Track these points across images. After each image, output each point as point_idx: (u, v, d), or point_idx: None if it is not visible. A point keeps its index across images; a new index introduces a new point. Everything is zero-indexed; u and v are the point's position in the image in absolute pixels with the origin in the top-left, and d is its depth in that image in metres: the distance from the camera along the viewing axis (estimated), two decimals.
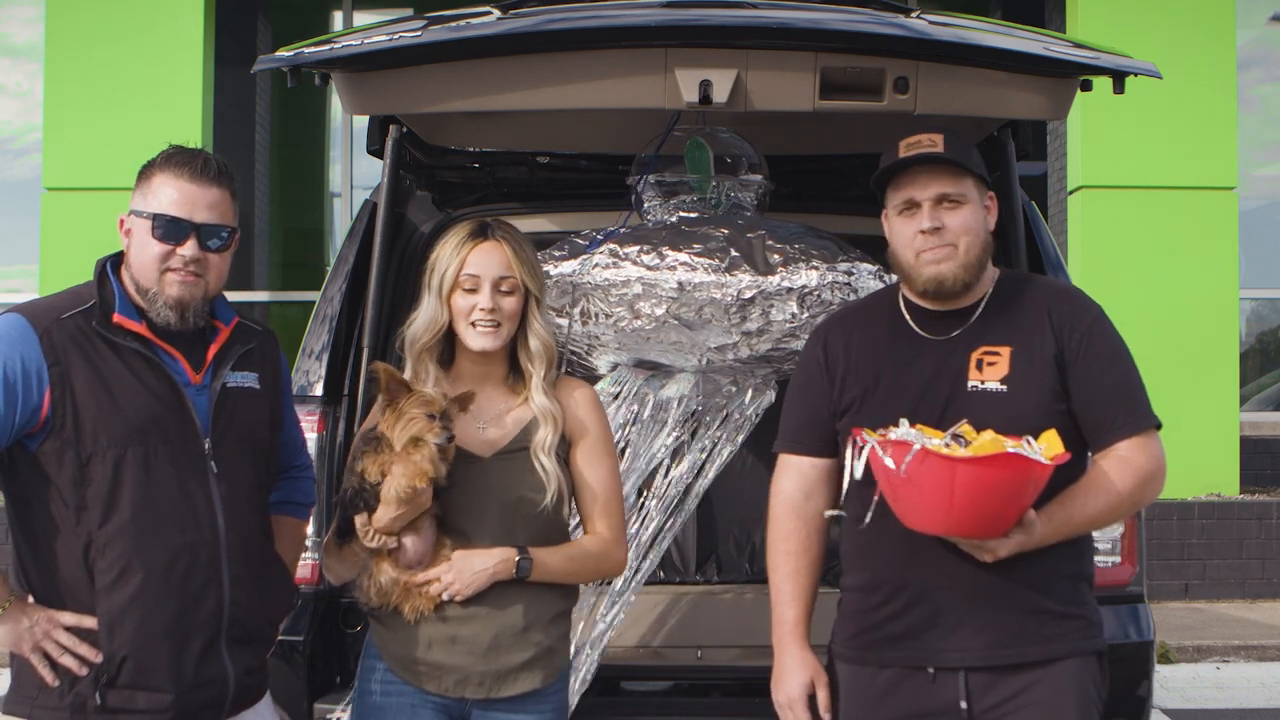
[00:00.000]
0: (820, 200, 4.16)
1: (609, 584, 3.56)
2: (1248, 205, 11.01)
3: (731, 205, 3.70)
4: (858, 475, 2.57)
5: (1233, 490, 10.08)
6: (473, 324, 2.78)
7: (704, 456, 3.68)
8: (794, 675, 2.79)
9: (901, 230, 2.75)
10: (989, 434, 2.51)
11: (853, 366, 2.79)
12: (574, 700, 3.30)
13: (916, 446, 2.43)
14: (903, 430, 2.55)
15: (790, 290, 3.36)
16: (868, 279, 3.40)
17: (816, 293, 3.36)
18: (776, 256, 3.40)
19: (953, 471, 2.40)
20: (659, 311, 3.40)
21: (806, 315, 3.38)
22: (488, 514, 2.74)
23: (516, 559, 2.71)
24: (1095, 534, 3.52)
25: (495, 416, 2.83)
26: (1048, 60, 3.15)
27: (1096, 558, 3.54)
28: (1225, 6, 10.35)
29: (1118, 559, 3.58)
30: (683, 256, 3.38)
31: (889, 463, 2.45)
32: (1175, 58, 9.29)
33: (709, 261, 3.37)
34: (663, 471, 3.69)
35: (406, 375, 2.78)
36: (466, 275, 2.77)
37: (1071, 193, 10.51)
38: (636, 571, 3.59)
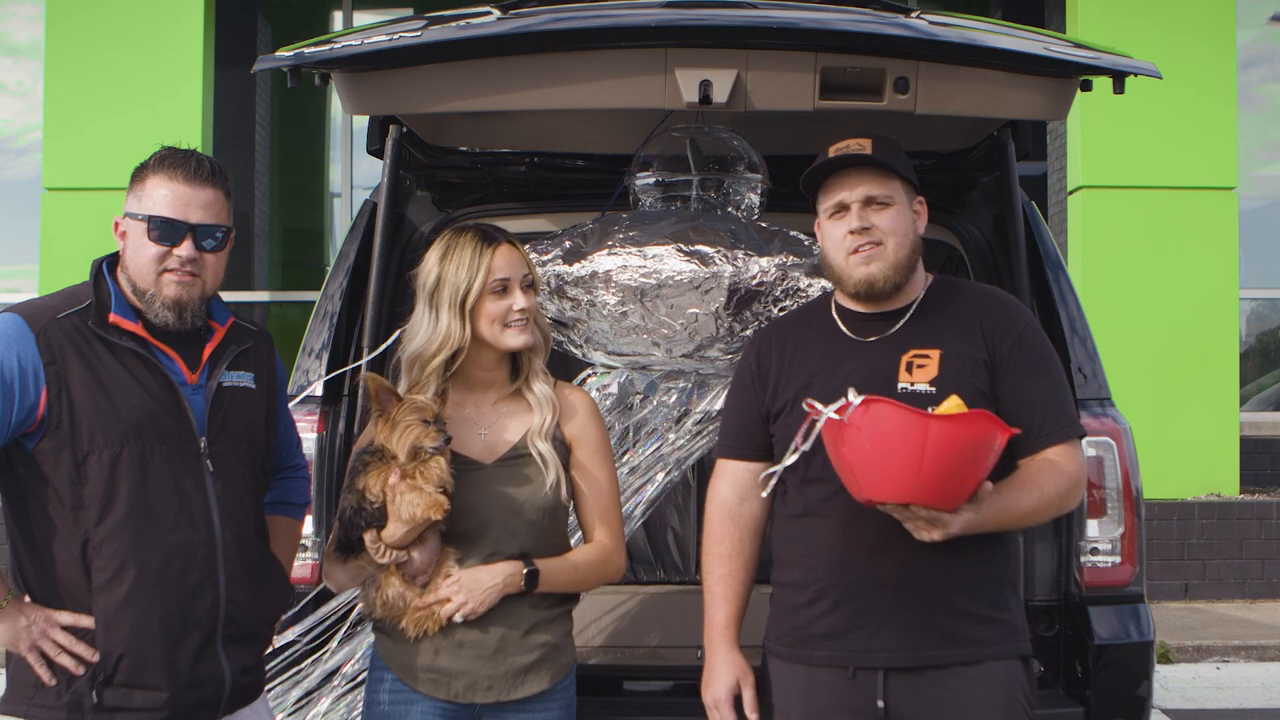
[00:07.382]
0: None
1: None
2: (1248, 205, 11.01)
3: (718, 203, 3.69)
4: (806, 448, 2.60)
5: (1233, 490, 10.08)
6: (507, 325, 2.79)
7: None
8: (721, 676, 2.82)
9: (832, 232, 2.80)
10: (954, 399, 2.53)
11: (785, 371, 2.83)
12: None
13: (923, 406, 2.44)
14: (853, 397, 2.53)
15: (594, 275, 3.42)
16: (674, 262, 3.39)
17: (610, 275, 3.39)
18: (610, 243, 3.43)
19: (925, 429, 2.40)
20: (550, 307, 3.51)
21: (615, 299, 3.41)
22: (490, 520, 2.74)
23: (524, 571, 2.71)
24: (1095, 534, 3.55)
25: (496, 422, 2.83)
26: (1048, 60, 3.15)
27: (1097, 558, 3.55)
28: (1225, 6, 10.35)
29: (1118, 559, 3.57)
30: (534, 253, 3.46)
31: (840, 418, 2.45)
32: (1175, 58, 9.29)
33: (534, 256, 3.42)
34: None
35: (401, 389, 2.78)
36: (496, 280, 2.78)
37: (1071, 193, 10.50)
38: None
